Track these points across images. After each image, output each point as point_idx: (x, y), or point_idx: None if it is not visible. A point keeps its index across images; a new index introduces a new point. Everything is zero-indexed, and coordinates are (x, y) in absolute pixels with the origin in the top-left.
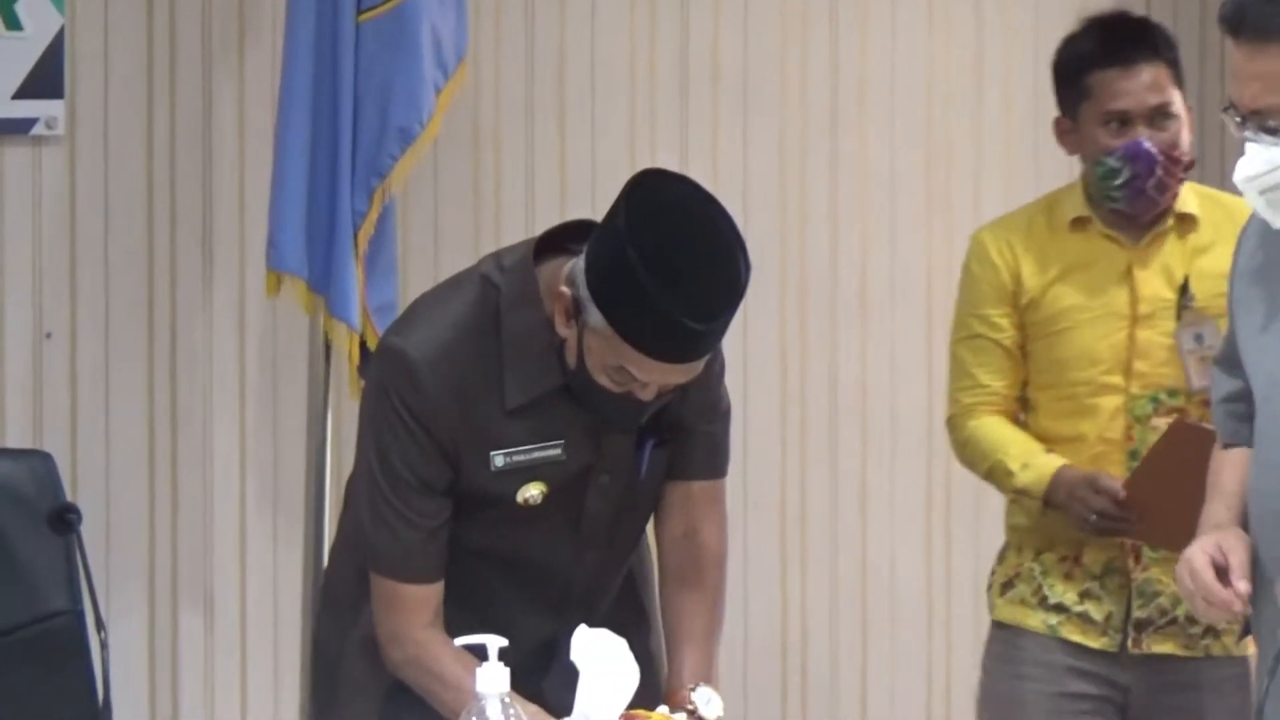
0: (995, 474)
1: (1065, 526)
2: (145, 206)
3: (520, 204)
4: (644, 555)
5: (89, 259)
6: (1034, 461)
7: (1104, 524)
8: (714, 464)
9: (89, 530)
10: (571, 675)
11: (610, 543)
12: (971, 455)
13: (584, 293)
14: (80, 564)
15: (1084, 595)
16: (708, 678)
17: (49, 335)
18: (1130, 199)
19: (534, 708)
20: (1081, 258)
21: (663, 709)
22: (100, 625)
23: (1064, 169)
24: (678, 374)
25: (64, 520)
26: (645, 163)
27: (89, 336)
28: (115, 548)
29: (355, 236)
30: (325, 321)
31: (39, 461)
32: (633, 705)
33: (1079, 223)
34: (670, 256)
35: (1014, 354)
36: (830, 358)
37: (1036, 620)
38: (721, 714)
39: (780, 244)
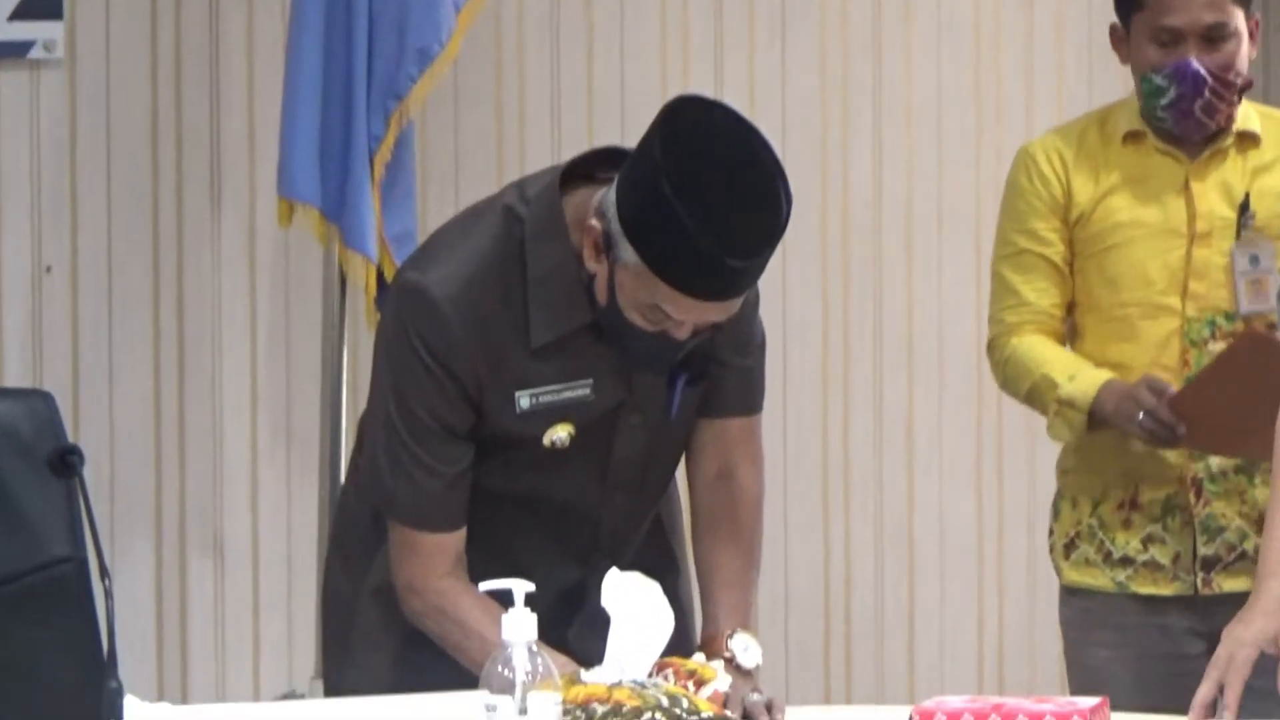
0: (1038, 390)
1: (1113, 455)
2: (149, 133)
3: (545, 127)
4: (673, 497)
5: (90, 189)
6: (1082, 373)
7: (1151, 425)
8: (749, 400)
9: (92, 473)
10: (597, 624)
11: (640, 485)
12: (1014, 373)
13: (615, 226)
14: (83, 508)
15: (1147, 541)
16: (745, 624)
17: (49, 270)
18: (1176, 120)
19: (562, 657)
20: (1136, 171)
21: (699, 656)
22: (104, 573)
23: (1119, 87)
24: (715, 312)
25: (65, 462)
26: (677, 86)
27: (91, 270)
28: (120, 491)
29: (371, 162)
30: (340, 252)
31: (39, 401)
32: (664, 653)
33: (1133, 136)
34: (708, 190)
35: (1063, 271)
36: (874, 289)
37: (1105, 579)
38: (760, 662)
39: (821, 170)
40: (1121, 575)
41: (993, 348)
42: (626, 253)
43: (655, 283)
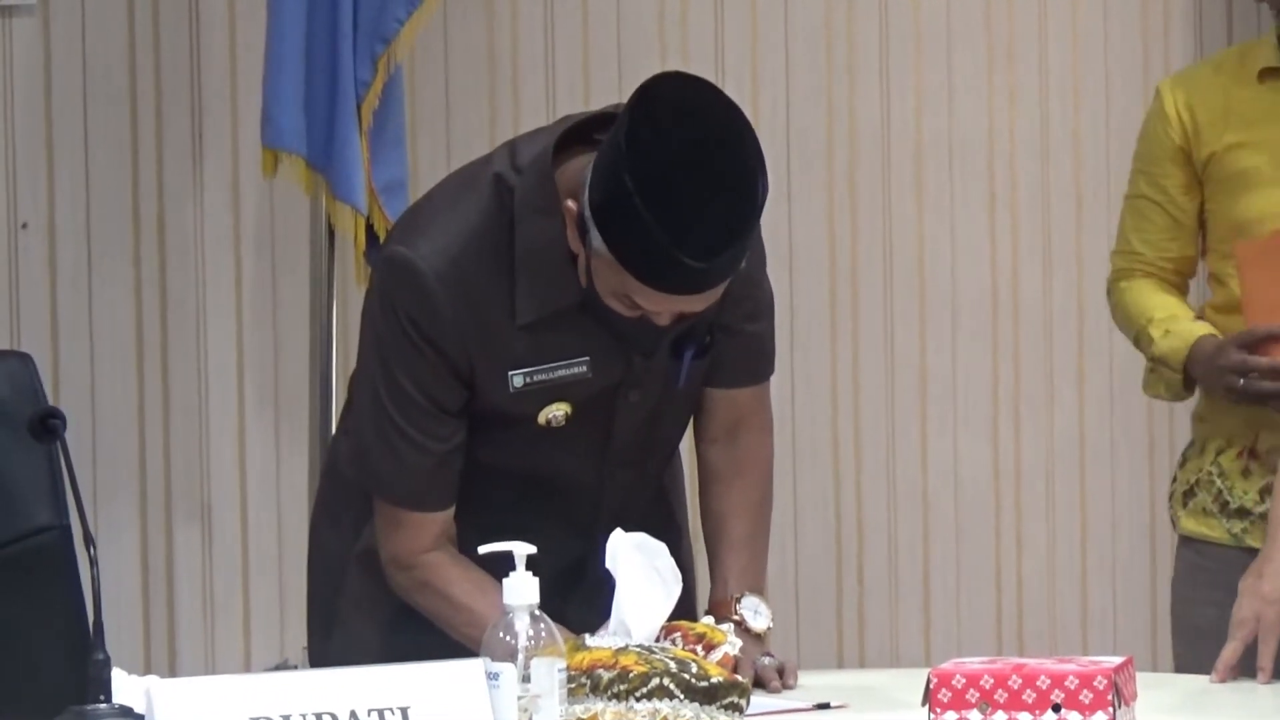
0: (1140, 342)
1: (1230, 407)
2: (127, 81)
3: (539, 69)
4: (674, 459)
5: (67, 141)
6: (1176, 328)
7: (1255, 389)
8: (758, 368)
9: (74, 437)
10: (598, 597)
11: (642, 460)
12: (1121, 321)
13: (588, 212)
14: (65, 474)
15: (1264, 492)
16: (755, 586)
17: (25, 226)
18: None
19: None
20: (1268, 112)
21: (707, 619)
22: (89, 541)
23: (1136, 19)
24: (690, 304)
25: (46, 427)
26: (675, 17)
27: (69, 226)
28: (103, 456)
29: (359, 109)
30: (327, 203)
31: (17, 363)
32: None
33: (1268, 74)
34: (671, 186)
35: (1180, 223)
36: (883, 231)
37: (1220, 531)
38: (770, 625)
39: (826, 105)
40: (1237, 527)
41: (1107, 291)
42: (596, 240)
43: (624, 273)
